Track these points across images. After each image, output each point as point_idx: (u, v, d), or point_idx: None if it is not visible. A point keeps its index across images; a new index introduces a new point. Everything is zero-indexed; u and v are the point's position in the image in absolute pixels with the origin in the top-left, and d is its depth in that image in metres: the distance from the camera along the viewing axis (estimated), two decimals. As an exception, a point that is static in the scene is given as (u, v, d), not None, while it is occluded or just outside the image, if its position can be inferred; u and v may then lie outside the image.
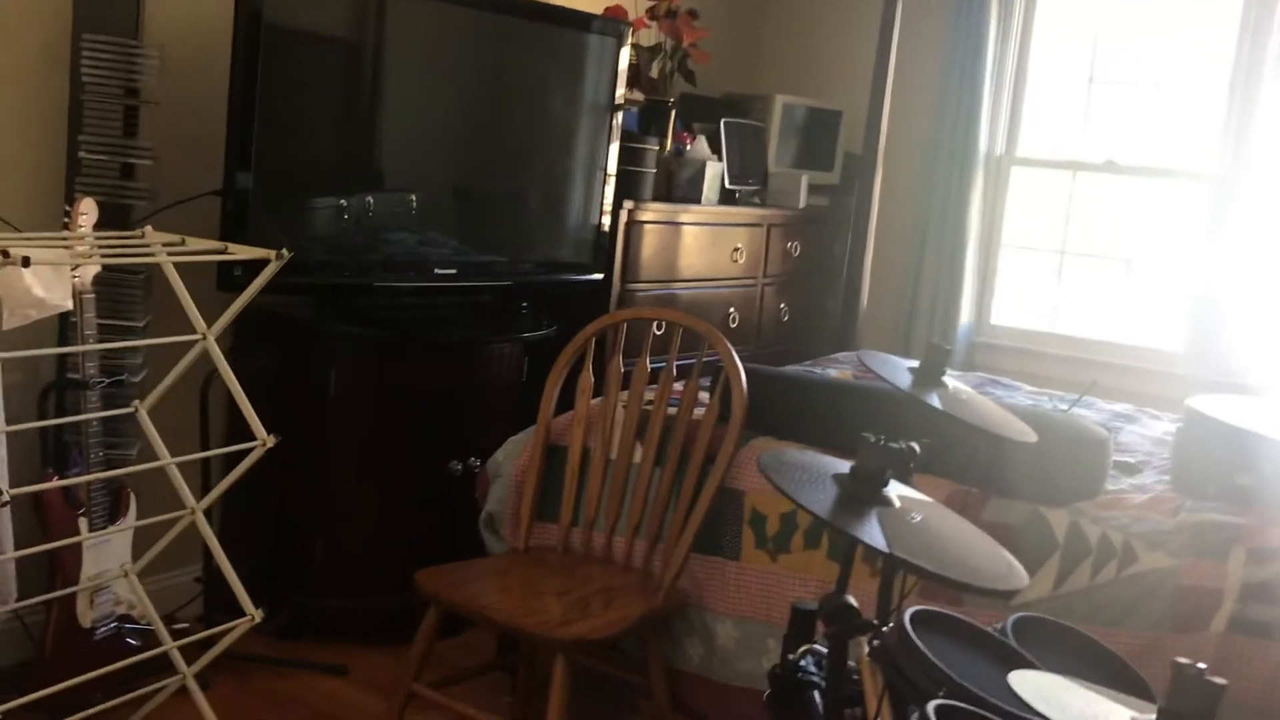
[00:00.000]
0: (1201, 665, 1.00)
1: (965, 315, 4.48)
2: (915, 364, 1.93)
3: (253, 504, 3.07)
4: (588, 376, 2.72)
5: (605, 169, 3.55)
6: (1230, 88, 4.11)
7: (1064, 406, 3.11)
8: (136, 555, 2.54)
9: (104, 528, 2.47)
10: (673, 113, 3.91)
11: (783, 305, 4.41)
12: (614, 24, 3.52)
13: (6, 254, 1.78)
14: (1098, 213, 4.44)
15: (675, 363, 2.68)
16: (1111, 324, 4.41)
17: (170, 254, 2.26)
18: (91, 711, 2.24)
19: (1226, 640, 2.06)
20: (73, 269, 2.31)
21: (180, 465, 2.38)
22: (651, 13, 3.89)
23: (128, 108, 2.63)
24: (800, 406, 2.61)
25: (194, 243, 2.30)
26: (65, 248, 2.23)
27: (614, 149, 3.56)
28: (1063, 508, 2.29)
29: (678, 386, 2.87)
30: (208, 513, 2.49)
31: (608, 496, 2.64)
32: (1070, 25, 4.44)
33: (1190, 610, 2.11)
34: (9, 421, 2.37)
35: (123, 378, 2.61)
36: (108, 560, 2.49)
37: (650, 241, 3.72)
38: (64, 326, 2.62)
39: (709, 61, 4.06)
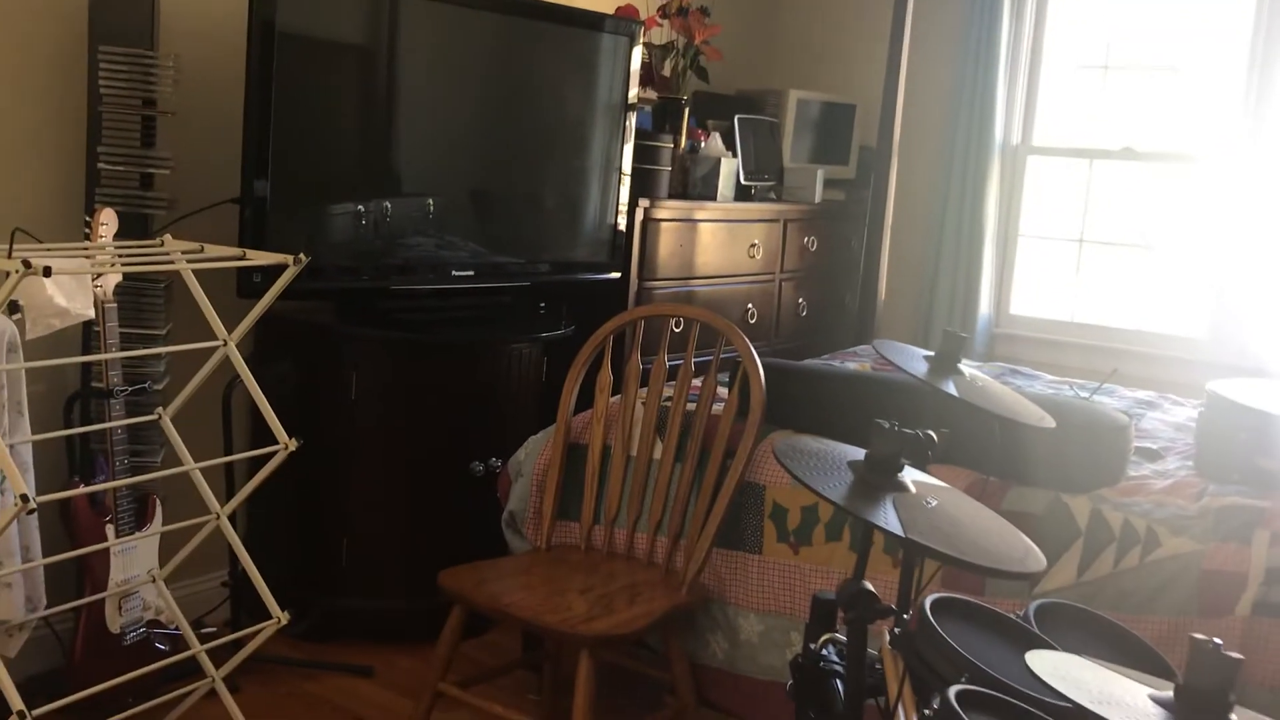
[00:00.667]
0: (1218, 641, 1.00)
1: (984, 306, 4.46)
2: (931, 353, 1.93)
3: (278, 508, 3.10)
4: (606, 374, 2.73)
5: (620, 168, 3.56)
6: (1247, 70, 4.08)
7: (1085, 394, 3.09)
8: (163, 561, 2.56)
9: (131, 534, 2.50)
10: (686, 110, 3.92)
11: (801, 300, 4.41)
12: (626, 23, 3.53)
13: (29, 264, 1.81)
14: (1116, 200, 4.41)
15: (693, 359, 2.69)
16: (1132, 312, 4.38)
17: (189, 261, 2.28)
18: (122, 716, 2.26)
19: (1252, 624, 2.05)
20: (94, 278, 2.34)
21: (204, 471, 2.40)
22: (663, 11, 3.89)
23: (145, 118, 2.66)
24: (819, 399, 2.61)
25: (213, 250, 2.33)
26: (86, 257, 2.26)
27: (629, 148, 3.57)
28: (1084, 495, 2.28)
29: (696, 382, 2.88)
30: (233, 518, 2.51)
31: (629, 493, 2.65)
32: (1084, 12, 4.42)
33: (1215, 595, 2.10)
34: (35, 431, 2.40)
35: (146, 385, 2.64)
36: (135, 566, 2.51)
37: (667, 239, 3.72)
38: (87, 336, 2.65)
39: (722, 58, 4.07)
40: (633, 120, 3.59)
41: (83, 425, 2.59)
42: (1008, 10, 4.35)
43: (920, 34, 4.32)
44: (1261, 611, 2.06)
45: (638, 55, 3.58)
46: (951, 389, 1.77)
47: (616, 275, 3.59)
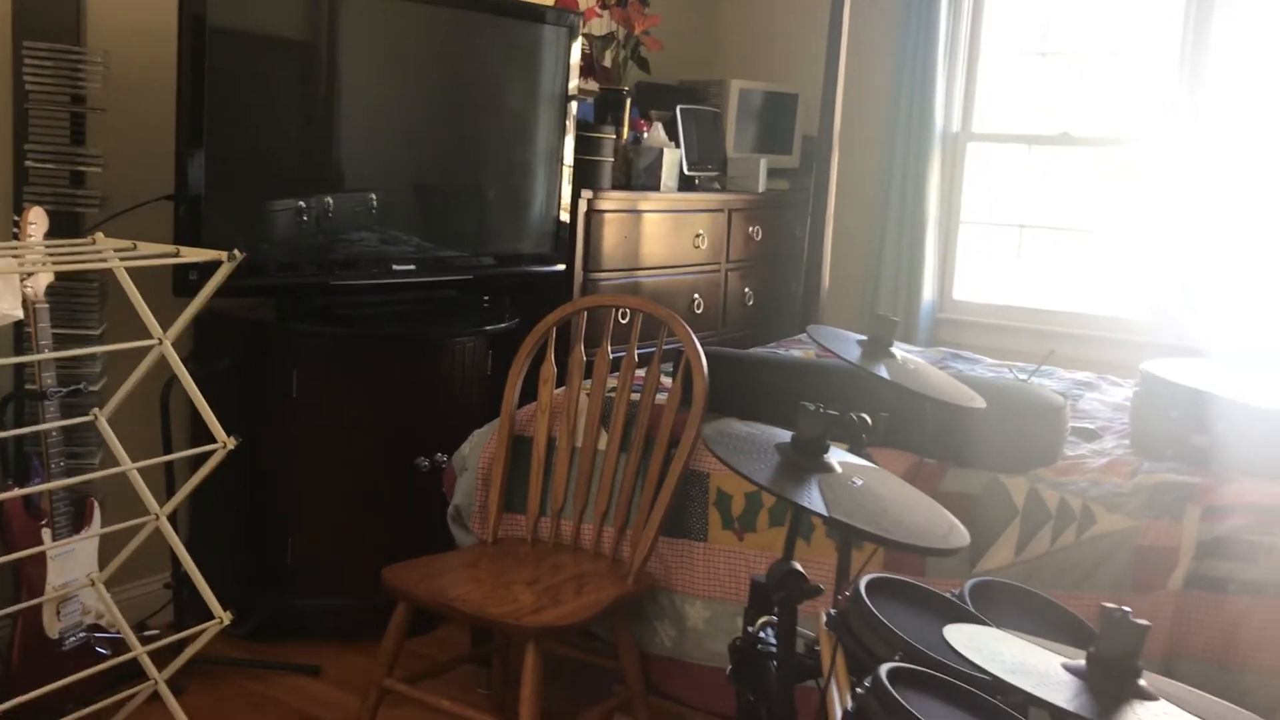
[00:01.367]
0: (1126, 609, 1.02)
1: (928, 292, 4.51)
2: (864, 337, 1.95)
3: (221, 508, 3.07)
4: (550, 366, 2.73)
5: (562, 160, 3.55)
6: (1179, 55, 4.15)
7: (1023, 376, 3.14)
8: (103, 563, 2.53)
9: (68, 537, 2.46)
10: (628, 101, 3.92)
11: (747, 289, 4.43)
12: (566, 14, 3.52)
13: (-49, 264, 1.77)
14: (1055, 185, 4.47)
15: (637, 349, 2.70)
16: (1073, 295, 4.45)
17: (122, 259, 2.25)
18: (62, 721, 2.23)
19: (1184, 597, 2.09)
20: (24, 279, 2.30)
21: (144, 472, 2.37)
22: (603, 2, 3.89)
23: (74, 115, 2.61)
24: (762, 387, 2.63)
25: (146, 248, 2.30)
26: (15, 257, 2.22)
27: (570, 140, 3.57)
28: (1021, 475, 2.31)
29: (640, 373, 2.89)
30: (174, 519, 2.49)
31: (574, 485, 2.66)
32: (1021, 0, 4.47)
33: (1148, 569, 2.14)
34: (-33, 435, 2.36)
35: (81, 386, 2.60)
36: (73, 570, 2.48)
37: (611, 230, 3.73)
38: (19, 337, 2.61)
39: (662, 49, 4.07)
40: (574, 111, 3.58)
41: (16, 428, 2.55)
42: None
43: (860, 23, 4.35)
44: (1193, 585, 2.10)
45: (578, 47, 3.57)
46: (883, 372, 1.79)
47: (561, 267, 3.58)
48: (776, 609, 1.42)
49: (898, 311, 4.50)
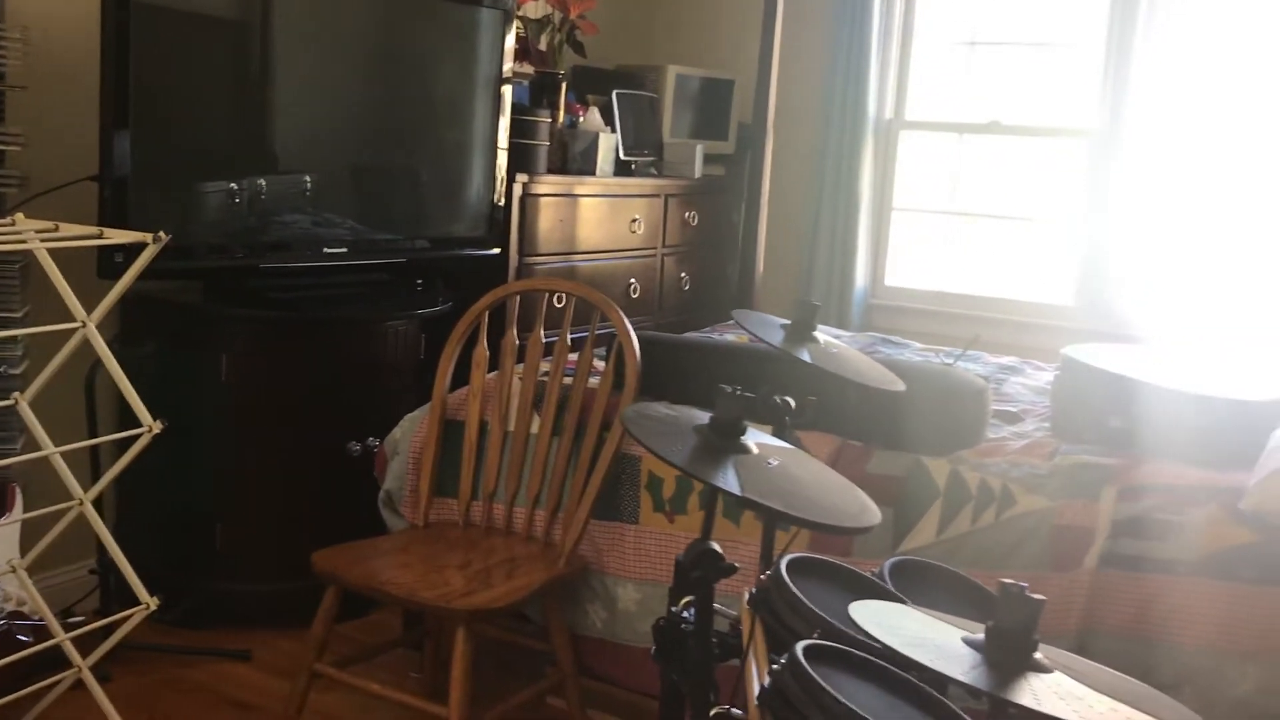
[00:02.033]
0: (1023, 584, 1.05)
1: (860, 278, 4.57)
2: (788, 321, 1.98)
3: (150, 493, 3.03)
4: (482, 350, 2.73)
5: (497, 143, 3.54)
6: (1105, 45, 4.23)
7: (948, 361, 3.19)
8: (25, 550, 2.49)
9: (-11, 523, 2.42)
10: (564, 85, 3.92)
11: (683, 274, 4.45)
12: (500, -3, 3.51)
13: None
14: (986, 173, 4.55)
15: (570, 333, 2.71)
16: (1002, 281, 4.53)
17: (43, 240, 2.21)
18: (-17, 709, 2.20)
19: (1099, 575, 2.15)
20: (-59, 260, 2.25)
21: (69, 457, 2.34)
22: (538, -15, 3.88)
23: (-6, 93, 2.56)
24: (694, 371, 2.65)
25: (69, 229, 2.26)
26: (-69, 238, 2.17)
27: (505, 123, 3.56)
28: (944, 457, 2.36)
29: (573, 357, 2.90)
30: (102, 504, 2.45)
31: (507, 468, 2.66)
32: (953, -11, 4.53)
33: (1065, 548, 2.20)
34: (-118, 419, 2.31)
35: (1, 370, 2.55)
36: (-5, 556, 2.44)
37: (547, 215, 3.73)
38: (-62, 320, 2.56)
39: (598, 33, 4.07)
40: (509, 95, 3.57)
41: (-65, 413, 2.50)
42: (879, -13, 4.43)
43: (794, 10, 4.38)
44: (1108, 563, 2.16)
45: (513, 29, 3.56)
46: (805, 356, 1.82)
47: (496, 251, 3.58)
48: (695, 587, 1.45)
49: (831, 297, 4.56)
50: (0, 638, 2.47)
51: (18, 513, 2.51)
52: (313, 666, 2.40)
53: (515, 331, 2.73)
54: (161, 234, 2.22)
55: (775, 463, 1.39)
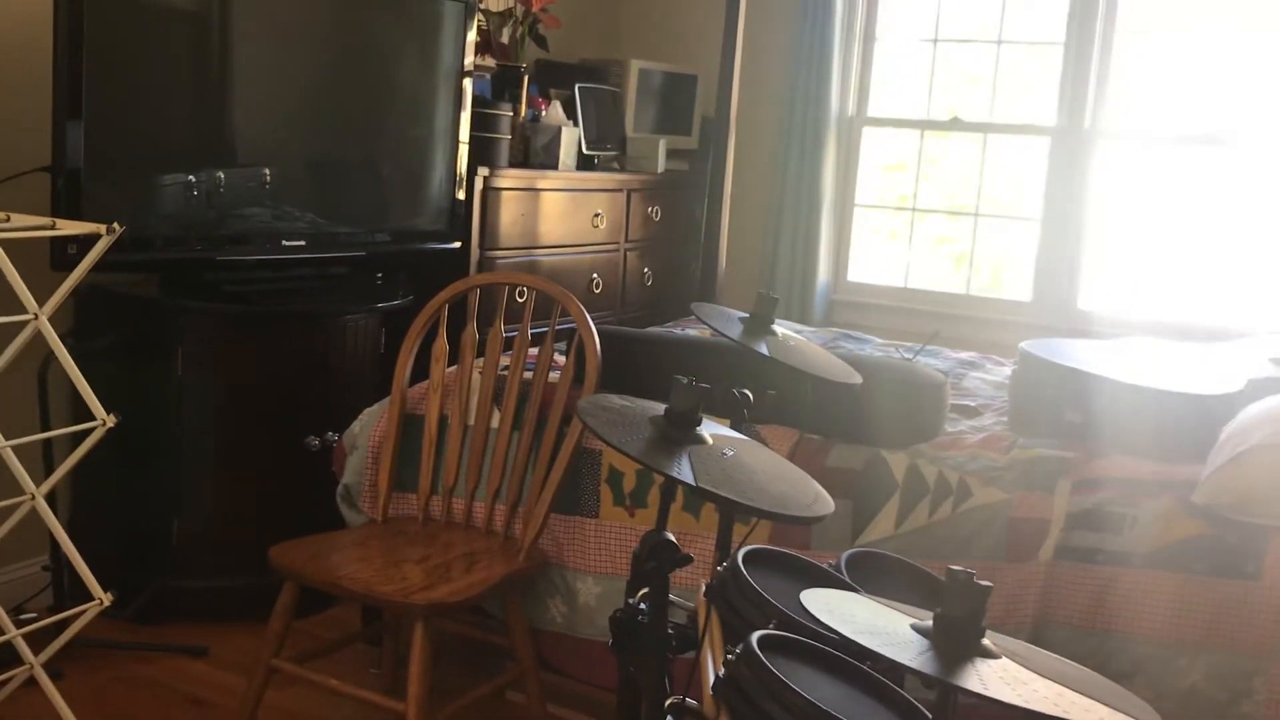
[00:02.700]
0: (971, 571, 1.06)
1: (822, 274, 4.59)
2: (746, 315, 1.98)
3: (105, 488, 3.00)
4: (442, 344, 2.72)
5: (459, 137, 3.53)
6: (1065, 43, 4.27)
7: (908, 355, 3.21)
8: (-24, 546, 2.45)
9: (-61, 519, 2.38)
10: (526, 79, 3.91)
11: (646, 269, 4.45)
12: (462, -10, 3.49)
13: None
14: (947, 169, 4.58)
15: (530, 328, 2.70)
16: (961, 277, 4.56)
17: (-7, 231, 2.18)
18: (-68, 707, 2.17)
19: (1053, 567, 2.18)
20: (-112, 250, 2.21)
21: (21, 452, 2.31)
22: (501, -22, 3.87)
23: (-56, 82, 2.52)
24: (654, 365, 2.65)
25: (20, 219, 2.23)
26: (-123, 228, 2.14)
27: (466, 116, 3.54)
28: (902, 450, 2.38)
29: (534, 351, 2.89)
30: (55, 499, 2.42)
31: (467, 463, 2.65)
32: (915, -13, 4.56)
33: (1021, 540, 2.22)
34: None
35: (-48, 363, 2.51)
36: (-55, 552, 2.40)
37: (509, 209, 3.71)
38: (-114, 312, 2.51)
39: (560, 26, 4.06)
40: (470, 88, 3.56)
41: (-117, 406, 2.45)
42: (842, -16, 4.45)
43: (758, 5, 4.39)
44: (1062, 555, 2.18)
45: (475, 22, 3.54)
46: (764, 349, 1.82)
47: (457, 245, 3.56)
48: (650, 578, 1.45)
49: (793, 292, 4.58)
50: (-50, 635, 2.44)
51: (-32, 508, 2.47)
52: (270, 662, 2.38)
53: (475, 325, 2.72)
54: (115, 225, 2.20)
55: (730, 453, 1.39)
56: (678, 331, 3.38)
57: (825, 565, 1.72)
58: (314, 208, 3.19)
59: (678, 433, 1.41)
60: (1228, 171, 4.08)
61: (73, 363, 2.24)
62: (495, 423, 2.65)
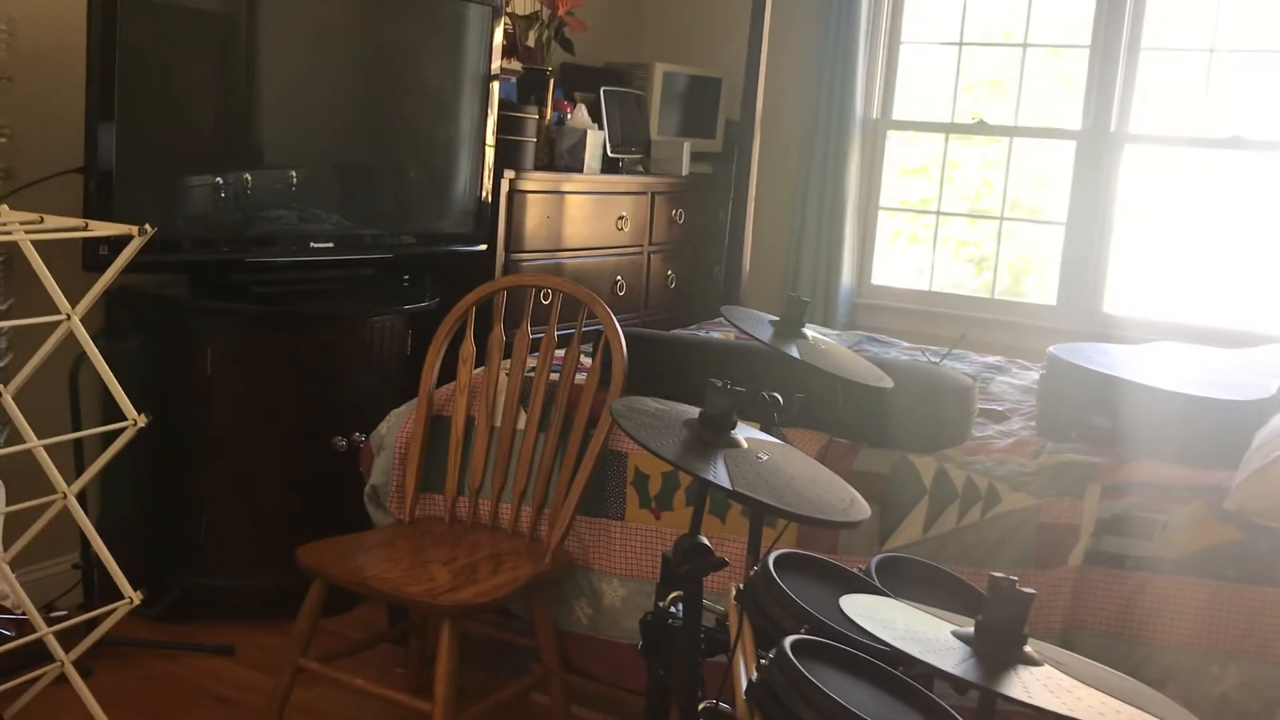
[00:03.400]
0: (1013, 578, 1.06)
1: (846, 277, 4.58)
2: (777, 318, 1.98)
3: (134, 488, 3.02)
4: (469, 345, 2.73)
5: (484, 139, 3.54)
6: (1091, 46, 4.25)
7: (935, 359, 3.20)
8: (8, 544, 2.47)
9: (-28, 517, 2.41)
10: (552, 82, 3.91)
11: (669, 272, 4.45)
12: (488, -7, 3.50)
13: None
14: (970, 173, 4.57)
15: (557, 330, 2.70)
16: (986, 281, 4.55)
17: (27, 232, 2.20)
18: (-35, 703, 2.19)
19: (1083, 572, 2.16)
20: (-76, 251, 2.24)
21: (52, 451, 2.32)
22: (526, -19, 3.88)
23: (-22, 84, 2.54)
24: (680, 367, 2.65)
25: (53, 221, 2.25)
26: (-86, 229, 2.16)
27: (492, 119, 3.55)
28: (930, 455, 2.37)
29: (559, 353, 2.89)
30: (85, 498, 2.44)
31: (493, 464, 2.66)
32: (940, -10, 4.55)
33: (1050, 546, 2.21)
34: None
35: (-15, 362, 2.54)
36: (-23, 550, 2.42)
37: (534, 211, 3.72)
38: (-80, 312, 2.54)
39: (586, 30, 4.07)
40: (497, 91, 3.56)
41: (-83, 405, 2.48)
42: (867, -13, 4.44)
43: (782, 8, 4.38)
44: (1092, 561, 2.17)
45: (501, 25, 3.56)
46: (794, 352, 1.82)
47: (483, 247, 3.58)
48: (683, 582, 1.45)
49: (816, 295, 4.57)
50: (-18, 632, 2.46)
51: (0, 506, 2.49)
52: (297, 661, 2.39)
53: (502, 327, 2.73)
54: (147, 227, 2.21)
55: (765, 457, 1.39)
56: (702, 334, 3.38)
57: (855, 570, 1.71)
58: (341, 210, 3.21)
59: (712, 436, 1.41)
60: (1254, 175, 4.05)
61: (104, 363, 2.26)
62: (521, 424, 2.66)
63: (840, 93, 4.48)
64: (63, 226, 2.22)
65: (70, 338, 2.25)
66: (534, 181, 3.71)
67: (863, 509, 1.40)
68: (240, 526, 3.00)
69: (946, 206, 4.61)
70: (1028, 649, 1.05)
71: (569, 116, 3.97)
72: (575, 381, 2.67)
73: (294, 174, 3.08)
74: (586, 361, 2.86)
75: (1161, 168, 4.20)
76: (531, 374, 2.71)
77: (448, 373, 2.74)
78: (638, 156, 4.30)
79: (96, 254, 2.64)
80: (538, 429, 2.63)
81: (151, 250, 2.40)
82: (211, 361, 2.91)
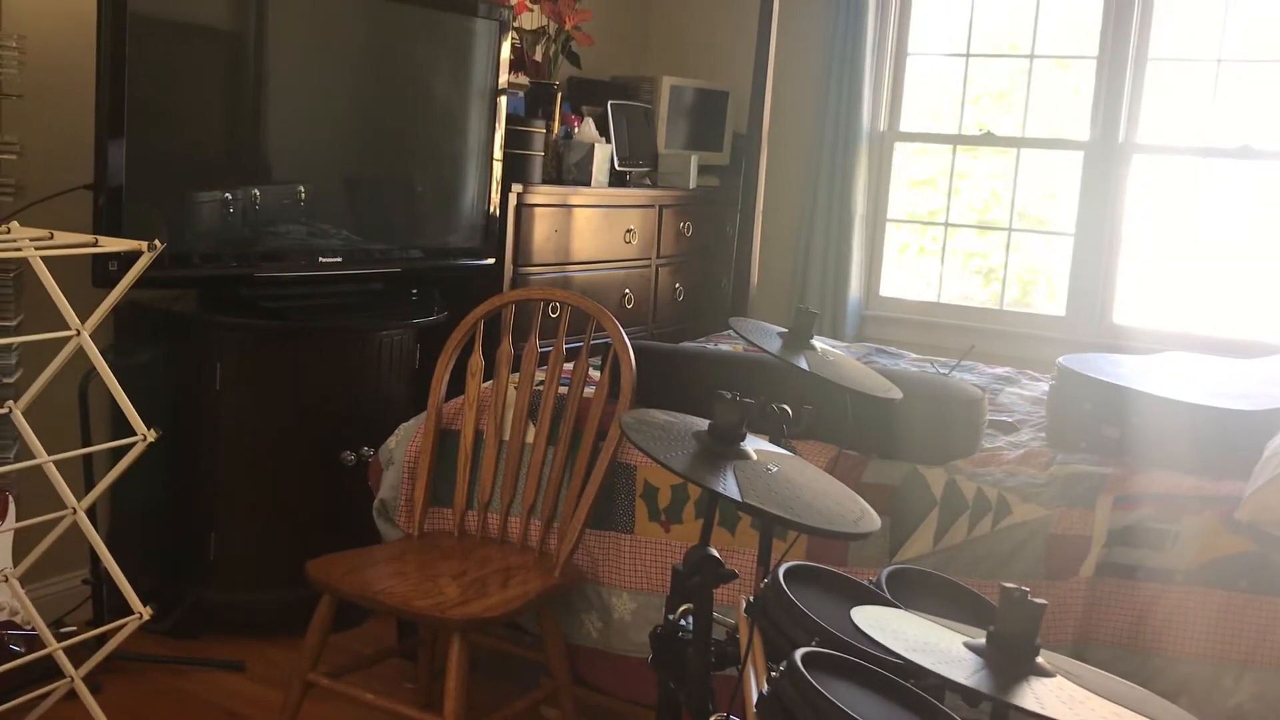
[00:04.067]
0: (1025, 589, 1.05)
1: (854, 288, 4.57)
2: (785, 329, 1.98)
3: (143, 503, 3.02)
4: (478, 359, 2.73)
5: (492, 153, 3.55)
6: (1098, 57, 4.25)
7: (944, 371, 3.20)
8: (18, 559, 2.48)
9: (-18, 532, 2.41)
10: (559, 96, 3.92)
11: (677, 285, 4.46)
12: (496, 8, 3.51)
13: None
14: (981, 184, 4.56)
15: (565, 343, 2.70)
16: (994, 292, 4.54)
17: (38, 248, 2.21)
18: (-25, 719, 2.19)
19: (1095, 583, 2.15)
20: (-65, 267, 2.25)
21: (62, 466, 2.33)
22: (533, -4, 3.89)
23: (-11, 101, 2.56)
24: (688, 380, 2.65)
25: (63, 237, 2.26)
26: (-75, 245, 2.17)
27: (500, 133, 3.56)
28: (940, 466, 2.36)
29: (568, 366, 2.89)
30: (95, 513, 2.44)
31: (502, 478, 2.66)
32: (947, 1, 4.55)
33: (1061, 557, 2.20)
34: (-125, 427, 2.30)
35: (-5, 378, 2.55)
36: (-13, 566, 2.43)
37: (542, 225, 3.73)
38: (-69, 328, 2.55)
39: (593, 44, 4.08)
40: (504, 105, 3.58)
41: (-72, 421, 2.49)
42: (873, 0, 4.45)
43: (789, 22, 4.40)
44: (1104, 572, 2.16)
45: (508, 40, 3.57)
46: (803, 364, 1.82)
47: (491, 261, 3.58)
48: (693, 593, 1.45)
49: (825, 307, 4.56)
50: (-8, 647, 2.46)
51: (10, 521, 2.50)
52: (306, 676, 2.39)
53: (510, 341, 2.73)
54: (157, 242, 2.22)
55: (775, 469, 1.39)
56: (710, 347, 3.38)
57: (865, 581, 1.71)
58: (349, 224, 3.22)
59: (722, 448, 1.41)
60: (1262, 185, 4.05)
61: (114, 378, 2.26)
62: (530, 438, 2.66)
63: (847, 105, 4.48)
64: (73, 242, 2.23)
65: (80, 353, 2.26)
66: (542, 195, 3.71)
67: (873, 521, 1.40)
68: (249, 541, 3.00)
69: (954, 218, 4.60)
70: (1040, 660, 1.04)
71: (576, 130, 3.97)
72: (584, 395, 2.66)
73: (302, 189, 3.09)
74: (595, 375, 2.86)
75: (1169, 178, 4.20)
76: (540, 387, 2.71)
77: (456, 386, 2.74)
78: (645, 170, 4.30)
79: (106, 270, 2.65)
80: (546, 442, 2.63)
81: (161, 265, 2.40)
82: (220, 376, 2.92)
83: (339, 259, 3.17)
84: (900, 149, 4.67)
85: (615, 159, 4.06)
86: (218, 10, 2.87)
